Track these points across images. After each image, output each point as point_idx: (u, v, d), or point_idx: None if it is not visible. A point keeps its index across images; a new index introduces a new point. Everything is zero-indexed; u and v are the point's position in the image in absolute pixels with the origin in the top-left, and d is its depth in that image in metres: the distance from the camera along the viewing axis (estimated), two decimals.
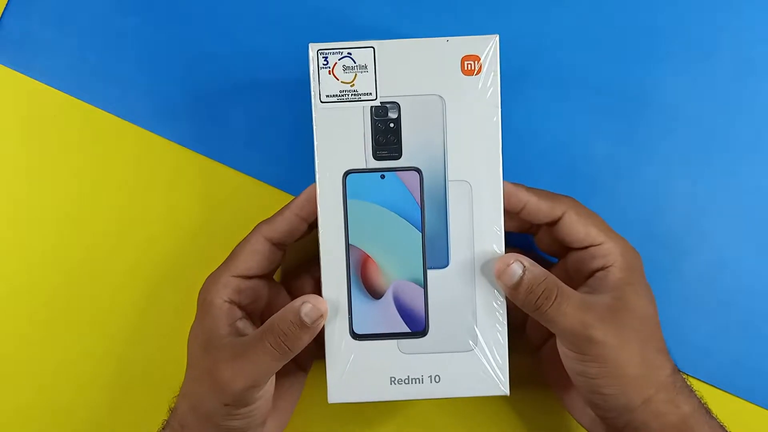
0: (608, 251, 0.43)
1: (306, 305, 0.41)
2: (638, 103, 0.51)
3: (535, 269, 0.42)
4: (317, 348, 0.44)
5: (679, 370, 0.43)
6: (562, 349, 0.43)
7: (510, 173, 0.50)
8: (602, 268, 0.43)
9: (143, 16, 0.53)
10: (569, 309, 0.41)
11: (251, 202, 0.51)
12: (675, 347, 0.45)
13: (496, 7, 0.51)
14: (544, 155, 0.51)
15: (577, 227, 0.44)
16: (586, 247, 0.44)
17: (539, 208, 0.44)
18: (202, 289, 0.45)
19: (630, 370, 0.41)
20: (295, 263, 0.50)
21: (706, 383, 0.50)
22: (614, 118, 0.51)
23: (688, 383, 0.43)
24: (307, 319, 0.40)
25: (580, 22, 0.51)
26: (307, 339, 0.41)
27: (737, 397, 0.50)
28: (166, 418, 0.45)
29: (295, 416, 0.50)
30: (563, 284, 0.42)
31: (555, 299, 0.41)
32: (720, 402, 0.45)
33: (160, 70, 0.52)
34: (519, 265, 0.42)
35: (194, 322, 0.45)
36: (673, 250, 0.51)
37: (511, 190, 0.44)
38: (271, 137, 0.52)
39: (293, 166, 0.51)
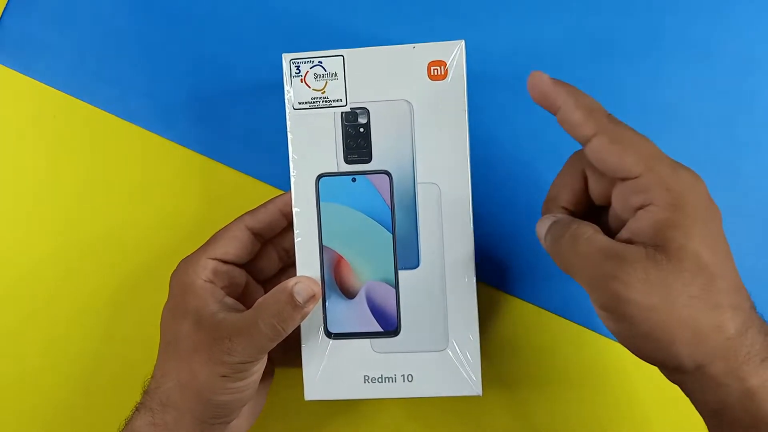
0: (647, 185, 0.35)
1: (298, 285, 0.42)
2: (638, 102, 0.50)
3: (563, 216, 0.39)
4: (284, 348, 0.44)
5: (765, 323, 0.35)
6: (594, 306, 0.37)
7: (511, 173, 0.50)
8: (642, 206, 0.36)
9: (143, 17, 0.53)
10: (586, 248, 0.35)
11: (250, 201, 0.51)
12: None
13: (496, 8, 0.51)
14: (545, 155, 0.50)
15: (608, 155, 0.36)
16: (625, 179, 0.36)
17: (570, 117, 0.37)
18: (177, 272, 0.45)
19: (670, 335, 0.34)
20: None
21: None
22: None
23: None
24: (299, 298, 0.41)
25: (581, 22, 0.51)
26: (299, 319, 0.42)
27: None
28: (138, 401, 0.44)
29: (277, 413, 0.52)
30: (585, 224, 0.37)
31: (568, 237, 0.36)
32: None
33: (159, 71, 0.53)
34: (551, 217, 0.39)
35: (170, 302, 0.45)
36: None
37: (549, 88, 0.37)
38: (270, 137, 0.52)
39: None
